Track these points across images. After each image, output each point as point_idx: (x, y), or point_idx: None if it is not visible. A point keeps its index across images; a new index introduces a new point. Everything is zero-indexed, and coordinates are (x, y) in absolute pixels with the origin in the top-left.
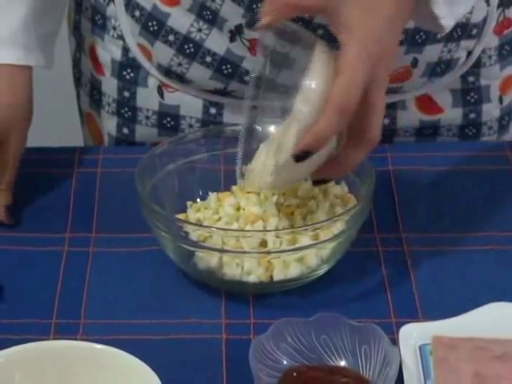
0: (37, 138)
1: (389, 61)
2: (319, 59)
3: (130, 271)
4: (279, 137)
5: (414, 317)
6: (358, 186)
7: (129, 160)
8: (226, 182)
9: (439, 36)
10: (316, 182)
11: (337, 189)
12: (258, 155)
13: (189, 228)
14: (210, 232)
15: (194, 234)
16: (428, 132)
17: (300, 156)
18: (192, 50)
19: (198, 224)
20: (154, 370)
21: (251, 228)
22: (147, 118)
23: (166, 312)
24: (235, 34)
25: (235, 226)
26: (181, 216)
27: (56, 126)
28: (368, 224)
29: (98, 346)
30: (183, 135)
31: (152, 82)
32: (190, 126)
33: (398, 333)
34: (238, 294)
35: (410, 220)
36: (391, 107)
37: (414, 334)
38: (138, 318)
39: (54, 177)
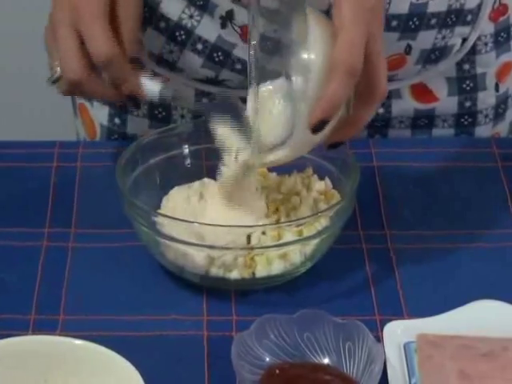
0: (29, 130)
1: (381, 17)
2: (314, 27)
3: (110, 267)
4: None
5: (398, 314)
6: (342, 182)
7: (109, 154)
8: (207, 176)
9: (433, 22)
10: (330, 146)
11: (320, 184)
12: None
13: (165, 222)
14: (188, 228)
15: (172, 228)
16: (423, 123)
17: (317, 127)
18: (183, 37)
19: (179, 219)
20: (134, 365)
21: (234, 223)
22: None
23: (147, 308)
24: (226, 19)
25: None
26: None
27: (49, 118)
28: (352, 221)
29: (78, 342)
30: (168, 128)
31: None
32: (182, 116)
33: (382, 330)
34: (219, 290)
35: (395, 217)
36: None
37: (398, 332)
38: (118, 314)
39: (32, 171)
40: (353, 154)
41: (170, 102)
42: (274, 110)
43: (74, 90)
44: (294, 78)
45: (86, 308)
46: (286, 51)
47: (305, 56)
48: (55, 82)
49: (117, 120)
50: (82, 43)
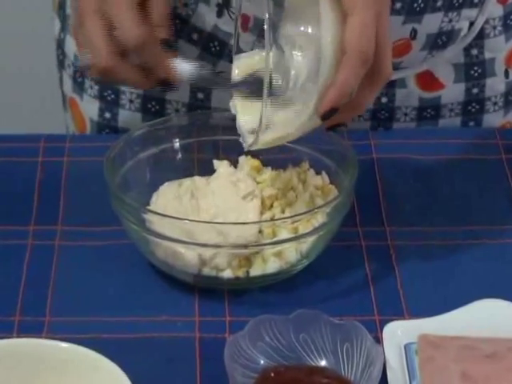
0: (16, 124)
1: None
2: (326, 9)
3: (99, 266)
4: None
5: (398, 314)
6: (340, 176)
7: (97, 148)
8: (199, 171)
9: (439, 4)
10: (330, 128)
11: (317, 179)
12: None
13: (155, 220)
14: (179, 225)
15: (162, 225)
16: (429, 114)
17: (327, 115)
18: (178, 26)
19: (170, 216)
20: (123, 369)
21: (227, 220)
22: (131, 101)
23: (137, 309)
24: (223, 7)
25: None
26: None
27: (37, 112)
28: (350, 217)
29: (65, 345)
30: (159, 121)
31: None
32: (177, 110)
33: (381, 331)
34: (212, 290)
35: (395, 212)
36: (390, 85)
37: (398, 333)
38: (107, 316)
39: (17, 166)
40: (351, 147)
41: (207, 84)
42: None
43: (104, 77)
44: (294, 53)
45: (74, 309)
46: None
47: (315, 37)
48: (85, 70)
49: (107, 114)
50: (111, 30)
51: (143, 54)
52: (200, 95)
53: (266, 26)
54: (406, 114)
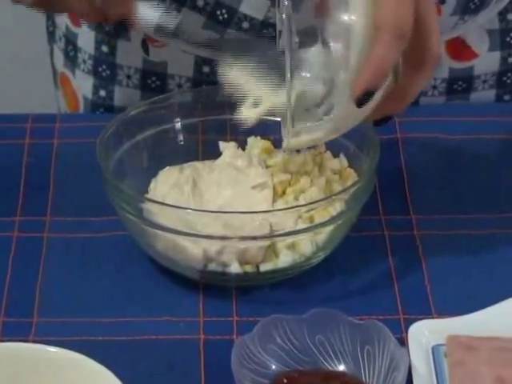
0: (1, 102)
1: None
2: None
3: (92, 261)
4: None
5: (425, 313)
6: (360, 159)
7: (91, 129)
8: (204, 155)
9: None
10: (377, 122)
11: (334, 162)
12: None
13: (154, 209)
14: (180, 216)
15: (162, 215)
16: (460, 87)
17: (362, 99)
18: None
19: (171, 205)
20: (119, 376)
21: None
22: (128, 77)
23: (134, 309)
24: None
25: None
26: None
27: (28, 89)
28: (372, 204)
29: (54, 349)
30: (158, 98)
31: (135, 35)
32: (179, 86)
33: (406, 332)
34: (218, 286)
35: (422, 199)
36: None
37: (425, 333)
38: (101, 316)
39: (1, 149)
40: (372, 125)
41: (169, 36)
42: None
43: (44, 2)
44: (332, 45)
45: (64, 309)
46: (323, 14)
47: (345, 18)
48: None
49: (102, 92)
50: None
51: None
52: (206, 69)
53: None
54: (434, 87)
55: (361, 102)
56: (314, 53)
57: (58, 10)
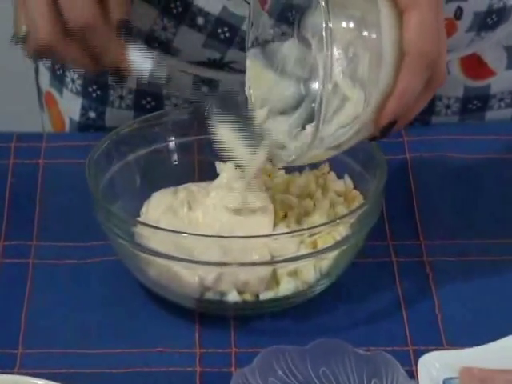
0: None
1: None
2: (381, 3)
3: (80, 288)
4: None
5: (436, 344)
6: (366, 180)
7: (79, 149)
8: (200, 176)
9: None
10: (384, 132)
11: (339, 184)
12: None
13: (146, 233)
14: (175, 240)
15: (156, 240)
16: (475, 106)
17: (387, 128)
18: (180, 9)
19: (164, 229)
20: None
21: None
22: (121, 98)
23: (126, 339)
24: None
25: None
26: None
27: (13, 106)
28: (378, 228)
29: (40, 382)
30: (152, 116)
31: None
32: (176, 106)
33: (416, 364)
34: (215, 316)
35: (432, 223)
36: None
37: (436, 366)
38: (90, 347)
39: None
40: (379, 145)
41: (161, 84)
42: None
43: (42, 53)
44: (311, 41)
45: (51, 340)
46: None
47: (371, 37)
48: (21, 41)
49: (92, 114)
50: (56, 5)
51: (91, 37)
52: (204, 89)
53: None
54: (447, 107)
55: (385, 131)
56: (288, 46)
57: (57, 61)
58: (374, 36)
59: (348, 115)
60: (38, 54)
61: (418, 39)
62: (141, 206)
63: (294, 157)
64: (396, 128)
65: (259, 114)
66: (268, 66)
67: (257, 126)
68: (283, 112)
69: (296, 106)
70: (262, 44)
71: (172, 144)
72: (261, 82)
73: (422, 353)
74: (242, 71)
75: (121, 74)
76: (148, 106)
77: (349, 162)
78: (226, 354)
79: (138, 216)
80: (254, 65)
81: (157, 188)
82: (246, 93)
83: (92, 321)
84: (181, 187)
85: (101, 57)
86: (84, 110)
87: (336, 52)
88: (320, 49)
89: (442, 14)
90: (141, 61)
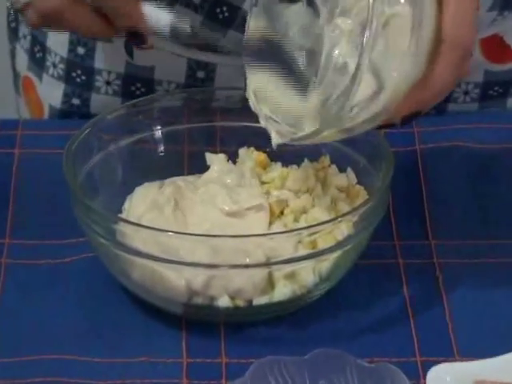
0: None
1: None
2: None
3: (57, 291)
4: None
5: (447, 355)
6: (371, 174)
7: (57, 137)
8: (188, 169)
9: None
10: (405, 119)
11: (341, 178)
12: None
13: (129, 231)
14: (160, 239)
15: (139, 239)
16: (496, 93)
17: (410, 118)
18: None
19: (149, 227)
20: None
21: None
22: (108, 83)
23: (106, 347)
24: None
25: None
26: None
27: None
28: (384, 227)
29: None
30: (137, 102)
31: None
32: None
33: (425, 376)
34: (204, 322)
35: (443, 221)
36: None
37: (447, 379)
38: (67, 354)
39: None
40: (385, 136)
41: (185, 40)
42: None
43: (48, 20)
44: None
45: (23, 346)
46: None
47: (414, 20)
48: (22, 7)
49: (75, 100)
50: None
51: None
52: (200, 74)
53: None
54: (466, 93)
55: (406, 121)
56: (294, 11)
57: (64, 29)
58: (416, 19)
59: (368, 96)
60: (43, 22)
61: (457, 29)
62: (123, 201)
63: (304, 133)
64: (422, 103)
65: (255, 80)
66: (270, 30)
67: (249, 95)
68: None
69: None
70: (266, 4)
71: (158, 133)
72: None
73: (431, 365)
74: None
75: (139, 34)
76: (137, 93)
77: (352, 154)
78: (216, 364)
79: (120, 212)
80: (255, 26)
81: (141, 182)
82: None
83: (68, 326)
84: (167, 181)
85: (115, 18)
86: (67, 96)
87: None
88: (329, 20)
89: (478, 1)
90: (159, 16)
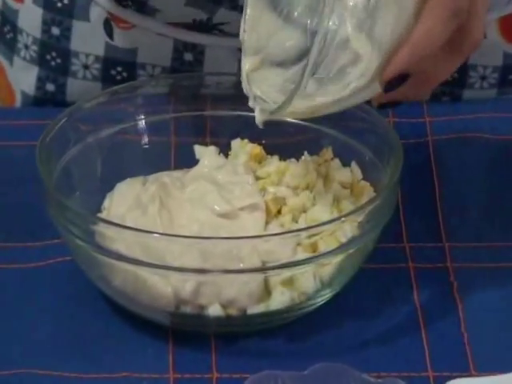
0: None
1: None
2: None
3: (30, 297)
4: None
5: (461, 369)
6: (377, 169)
7: (32, 127)
8: (175, 163)
9: None
10: (382, 105)
11: (344, 173)
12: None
13: (109, 233)
14: (143, 241)
15: (120, 241)
16: None
17: (392, 83)
18: None
19: (131, 228)
20: None
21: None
22: (86, 67)
23: (84, 361)
24: None
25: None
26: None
27: None
28: (393, 227)
29: None
30: (118, 88)
31: (96, 14)
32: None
33: None
34: (193, 333)
35: (458, 222)
36: None
37: None
38: (42, 369)
39: None
40: (394, 127)
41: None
42: None
43: None
44: None
45: None
46: None
47: None
48: None
49: (50, 86)
50: None
51: None
52: (188, 56)
53: None
54: (483, 78)
55: (390, 87)
56: None
57: None
58: None
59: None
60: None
61: None
62: (103, 199)
63: (277, 105)
64: (409, 93)
65: (250, 61)
66: (272, 8)
67: (242, 75)
68: (280, 64)
69: (297, 59)
70: None
71: (142, 123)
72: (260, 26)
73: (445, 380)
74: (235, 35)
75: None
76: (118, 78)
77: (357, 146)
78: (206, 380)
79: (100, 211)
80: (255, 4)
81: (122, 177)
82: (241, 37)
83: (42, 338)
84: (151, 177)
85: None
86: (40, 81)
87: None
88: None
89: None
90: None
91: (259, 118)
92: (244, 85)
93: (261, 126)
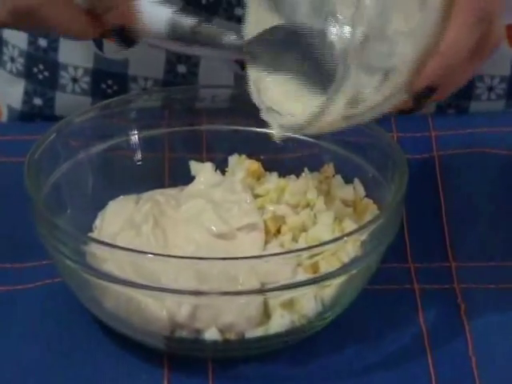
0: None
1: None
2: None
3: (16, 320)
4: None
5: None
6: (381, 186)
7: (19, 143)
8: (170, 180)
9: None
10: (404, 111)
11: (346, 191)
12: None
13: (100, 253)
14: (136, 262)
15: (112, 262)
16: None
17: (422, 95)
18: None
19: (124, 248)
20: None
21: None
22: (75, 80)
23: None
24: None
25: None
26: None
27: None
28: (397, 247)
29: None
30: (110, 102)
31: None
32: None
33: None
34: (189, 358)
35: (466, 241)
36: None
37: None
38: None
39: None
40: (398, 141)
41: (185, 42)
42: None
43: (20, 17)
44: None
45: None
46: None
47: None
48: None
49: (38, 100)
50: None
51: None
52: (181, 68)
53: None
54: (490, 89)
55: (420, 96)
56: None
57: (37, 28)
58: None
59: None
60: (15, 19)
61: None
62: (94, 217)
63: (303, 121)
64: (433, 99)
65: (256, 69)
66: (274, 9)
67: (250, 86)
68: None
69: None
70: None
71: (135, 138)
72: (261, 29)
73: None
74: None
75: (130, 33)
76: (109, 91)
77: (359, 162)
78: None
79: (91, 231)
80: (256, 5)
81: (115, 195)
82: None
83: (30, 363)
84: (145, 195)
85: (102, 14)
86: (27, 95)
87: None
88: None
89: None
90: (155, 12)
91: (278, 134)
92: (254, 96)
93: (279, 142)
